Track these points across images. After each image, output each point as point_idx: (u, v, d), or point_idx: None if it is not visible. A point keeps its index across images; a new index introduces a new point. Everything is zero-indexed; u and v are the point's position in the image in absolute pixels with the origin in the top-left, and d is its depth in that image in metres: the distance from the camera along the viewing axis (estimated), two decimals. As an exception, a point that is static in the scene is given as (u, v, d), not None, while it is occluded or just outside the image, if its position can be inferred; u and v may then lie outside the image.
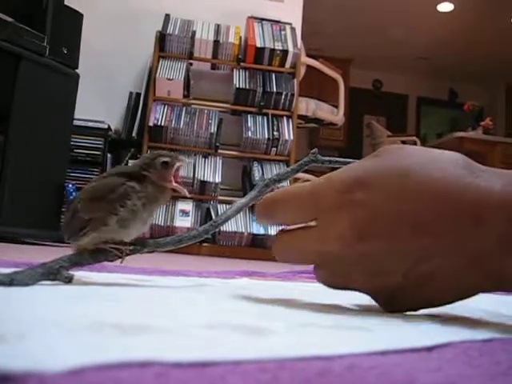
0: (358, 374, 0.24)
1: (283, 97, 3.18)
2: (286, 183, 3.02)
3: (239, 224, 3.02)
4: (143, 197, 0.67)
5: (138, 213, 0.67)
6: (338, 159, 0.86)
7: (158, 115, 3.06)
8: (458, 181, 0.40)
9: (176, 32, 3.19)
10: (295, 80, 3.24)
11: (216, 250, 3.02)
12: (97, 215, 0.67)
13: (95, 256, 0.70)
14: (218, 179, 3.05)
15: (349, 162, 0.85)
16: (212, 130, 3.08)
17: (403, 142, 5.46)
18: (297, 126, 3.30)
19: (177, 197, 3.01)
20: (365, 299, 0.52)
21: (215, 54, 3.25)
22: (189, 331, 0.32)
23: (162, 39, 3.18)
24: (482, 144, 5.03)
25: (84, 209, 0.69)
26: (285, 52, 3.24)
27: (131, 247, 0.71)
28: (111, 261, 0.72)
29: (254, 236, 3.04)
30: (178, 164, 0.69)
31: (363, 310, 0.53)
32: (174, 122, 3.06)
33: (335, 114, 3.77)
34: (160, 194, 0.68)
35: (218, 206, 3.07)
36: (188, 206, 3.03)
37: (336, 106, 3.80)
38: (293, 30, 3.37)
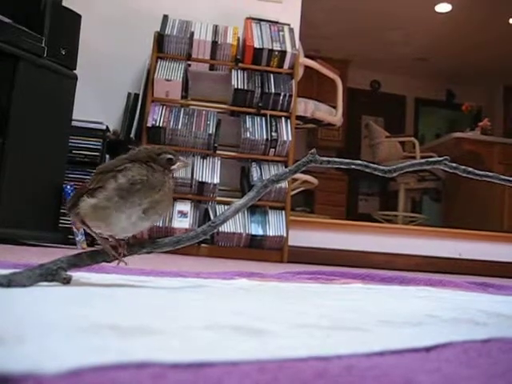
0: (356, 375, 0.24)
1: (281, 97, 3.18)
2: (284, 183, 3.03)
3: (238, 225, 3.02)
4: (144, 175, 0.68)
5: (135, 187, 0.67)
6: (336, 159, 0.86)
7: (156, 116, 3.06)
8: None
9: (174, 33, 3.19)
10: (293, 81, 3.24)
11: (214, 250, 3.02)
12: (99, 184, 0.68)
13: (93, 257, 0.70)
14: (216, 180, 3.04)
15: (346, 163, 0.85)
16: (210, 131, 3.08)
17: (401, 143, 5.46)
18: (295, 127, 3.30)
19: (175, 198, 3.01)
20: (364, 299, 0.52)
21: (213, 55, 3.25)
22: (187, 332, 0.32)
23: (160, 40, 3.18)
24: (480, 144, 5.03)
25: (92, 181, 0.70)
26: (283, 53, 3.24)
27: (128, 247, 0.72)
28: (109, 262, 0.72)
29: (253, 237, 3.03)
30: (180, 165, 0.71)
31: (362, 311, 0.53)
32: (172, 122, 3.06)
33: (333, 115, 3.77)
34: (162, 183, 0.70)
35: (217, 206, 3.07)
36: (186, 206, 3.03)
37: (334, 107, 3.80)
38: (291, 30, 3.37)
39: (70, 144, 2.70)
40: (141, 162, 0.69)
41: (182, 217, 2.99)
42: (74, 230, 2.54)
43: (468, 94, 7.04)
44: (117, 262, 0.71)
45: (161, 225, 2.93)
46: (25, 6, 2.42)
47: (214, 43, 3.21)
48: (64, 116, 2.56)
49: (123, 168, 0.68)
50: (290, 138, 3.13)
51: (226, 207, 2.91)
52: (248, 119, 3.16)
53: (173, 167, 0.70)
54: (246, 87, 3.16)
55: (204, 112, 3.15)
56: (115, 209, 0.68)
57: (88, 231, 0.73)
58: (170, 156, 0.70)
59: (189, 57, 3.21)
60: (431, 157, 0.90)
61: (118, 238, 0.72)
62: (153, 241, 0.73)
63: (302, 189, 3.89)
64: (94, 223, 0.71)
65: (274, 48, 3.23)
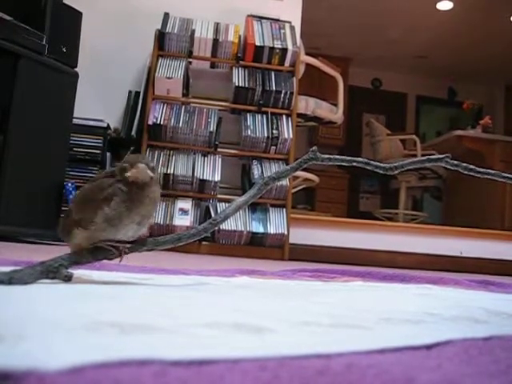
0: (356, 373, 0.24)
1: (282, 95, 3.18)
2: (285, 181, 3.03)
3: (238, 222, 3.02)
4: (127, 199, 0.68)
5: (123, 213, 0.68)
6: (337, 157, 0.86)
7: (157, 114, 3.06)
8: None
9: (175, 31, 3.19)
10: (294, 78, 3.24)
11: (215, 248, 3.02)
12: (85, 215, 0.69)
13: (94, 254, 0.70)
14: (217, 178, 3.04)
15: (347, 160, 0.85)
16: (211, 129, 3.08)
17: (402, 141, 5.46)
18: (296, 125, 3.30)
19: (176, 195, 3.01)
20: (364, 297, 0.52)
21: (214, 53, 3.25)
22: (188, 330, 0.32)
23: (161, 38, 3.18)
24: (481, 142, 5.02)
25: (75, 210, 0.71)
26: (284, 50, 3.23)
27: (129, 245, 0.72)
28: (110, 259, 0.72)
29: (254, 234, 3.03)
30: (133, 172, 0.69)
31: (362, 309, 0.53)
32: (173, 120, 3.06)
33: (334, 113, 3.77)
34: (143, 196, 0.69)
35: (218, 204, 3.07)
36: (187, 204, 3.03)
37: (335, 105, 3.80)
38: (292, 28, 3.36)
39: (71, 142, 2.70)
40: (114, 184, 0.69)
41: (183, 214, 2.99)
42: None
43: (469, 92, 7.03)
44: (118, 259, 0.71)
45: (162, 222, 2.93)
46: (26, 4, 2.42)
47: (215, 41, 3.21)
48: (65, 114, 2.56)
49: (105, 196, 0.68)
50: (291, 136, 3.13)
51: (226, 205, 2.92)
52: (249, 117, 3.16)
53: (127, 175, 0.69)
54: (246, 85, 3.16)
55: (205, 110, 3.15)
56: (109, 235, 0.68)
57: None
58: (124, 165, 0.70)
59: (190, 54, 3.20)
60: (432, 155, 0.90)
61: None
62: (154, 238, 0.73)
63: (302, 186, 3.88)
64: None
65: (275, 46, 3.22)
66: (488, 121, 5.21)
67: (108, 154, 2.97)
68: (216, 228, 0.76)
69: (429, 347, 0.32)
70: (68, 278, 0.65)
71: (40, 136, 2.40)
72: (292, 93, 3.18)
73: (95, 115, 2.99)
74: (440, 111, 7.75)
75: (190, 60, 3.26)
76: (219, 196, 3.09)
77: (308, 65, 3.62)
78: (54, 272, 0.63)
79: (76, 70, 2.59)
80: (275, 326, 0.35)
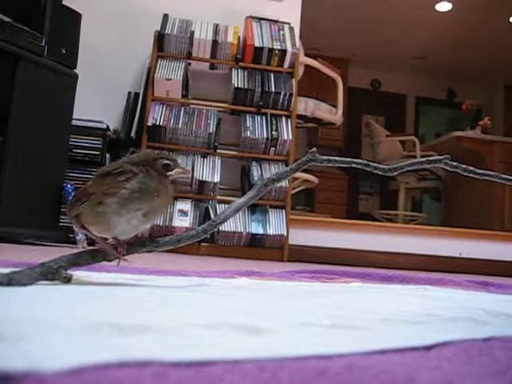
0: (356, 373, 0.24)
1: (282, 96, 3.18)
2: (284, 182, 3.03)
3: (238, 224, 3.02)
4: (143, 183, 0.68)
5: (135, 193, 0.67)
6: (336, 158, 0.86)
7: (156, 115, 3.06)
8: None
9: (174, 32, 3.19)
10: (294, 80, 3.24)
11: (215, 249, 3.02)
12: (101, 188, 0.68)
13: (94, 256, 0.70)
14: (216, 179, 3.04)
15: (347, 162, 0.85)
16: (211, 130, 3.08)
17: (402, 142, 5.46)
18: (295, 126, 3.30)
19: (175, 197, 3.01)
20: (364, 298, 0.52)
21: (214, 54, 3.25)
22: (188, 331, 0.32)
23: (160, 39, 3.18)
24: (480, 143, 5.03)
25: (92, 183, 0.70)
26: (283, 52, 3.24)
27: (128, 247, 0.72)
28: (109, 261, 0.72)
29: (253, 236, 3.03)
30: (178, 171, 0.69)
31: (362, 309, 0.53)
32: (172, 121, 3.06)
33: (334, 114, 3.77)
34: (158, 190, 0.69)
35: (217, 205, 3.07)
36: (187, 205, 3.03)
37: (335, 106, 3.80)
38: (291, 29, 3.36)
39: (71, 143, 2.70)
40: (138, 166, 0.69)
41: (183, 215, 2.99)
42: (75, 228, 2.54)
43: (469, 93, 7.03)
44: (117, 261, 0.71)
45: (161, 224, 2.92)
46: (25, 5, 2.42)
47: (215, 42, 3.21)
48: (64, 115, 2.56)
49: (125, 179, 0.67)
50: (291, 137, 3.13)
51: (226, 206, 2.91)
52: (248, 118, 3.16)
53: (169, 173, 0.69)
54: (246, 86, 3.16)
55: (204, 111, 3.15)
56: (113, 214, 0.68)
57: (89, 235, 0.73)
58: (166, 162, 0.69)
59: (189, 56, 3.21)
60: (431, 156, 0.90)
61: (119, 238, 0.72)
62: (153, 240, 0.73)
63: (302, 188, 3.89)
64: (95, 227, 0.71)
65: (275, 47, 3.23)
66: (487, 122, 5.21)
67: (107, 155, 2.97)
68: (215, 229, 0.76)
69: (428, 348, 0.32)
70: (67, 280, 0.65)
71: (39, 137, 2.40)
72: (291, 94, 3.18)
73: (94, 116, 2.99)
74: (439, 112, 7.76)
75: (190, 61, 3.26)
76: (219, 197, 3.09)
77: (307, 66, 3.62)
78: (54, 273, 0.63)
79: (75, 71, 2.60)
80: (275, 326, 0.35)
